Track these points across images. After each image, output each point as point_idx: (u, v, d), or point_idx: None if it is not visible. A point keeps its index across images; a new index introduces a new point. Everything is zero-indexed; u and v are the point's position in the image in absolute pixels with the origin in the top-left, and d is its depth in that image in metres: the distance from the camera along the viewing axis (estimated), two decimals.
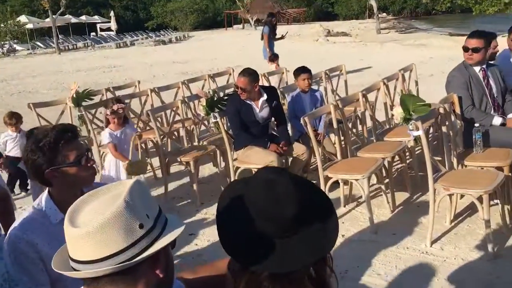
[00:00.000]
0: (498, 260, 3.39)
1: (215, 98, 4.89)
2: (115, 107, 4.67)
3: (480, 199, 3.47)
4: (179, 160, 5.01)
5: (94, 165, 2.02)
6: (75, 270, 1.10)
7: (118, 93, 6.60)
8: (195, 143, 5.90)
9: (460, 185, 3.57)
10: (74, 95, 5.68)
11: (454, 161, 4.04)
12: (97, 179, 3.53)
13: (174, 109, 5.83)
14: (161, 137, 5.32)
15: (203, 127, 6.44)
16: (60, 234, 1.17)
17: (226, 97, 4.96)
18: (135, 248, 1.02)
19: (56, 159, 1.88)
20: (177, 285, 1.40)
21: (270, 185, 1.22)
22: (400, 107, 3.62)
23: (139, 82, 7.28)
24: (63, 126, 2.00)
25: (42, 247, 1.87)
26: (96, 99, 6.35)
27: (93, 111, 5.85)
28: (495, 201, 3.92)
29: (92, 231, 1.05)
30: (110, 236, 1.04)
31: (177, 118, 5.91)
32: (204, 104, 4.81)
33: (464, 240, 3.73)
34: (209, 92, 5.55)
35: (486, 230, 3.48)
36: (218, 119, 4.88)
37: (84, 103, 5.71)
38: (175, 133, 6.23)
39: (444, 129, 4.07)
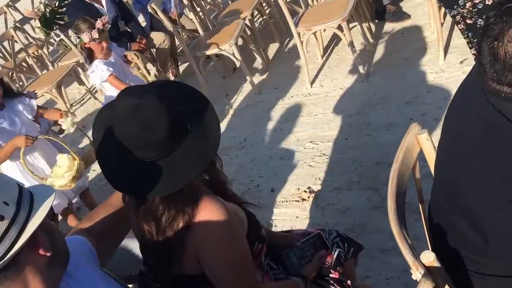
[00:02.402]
0: (370, 78, 3.64)
1: (48, 14, 4.34)
2: (98, 23, 3.11)
3: (340, 27, 3.59)
4: (38, 92, 4.57)
5: None
6: None
7: None
8: (50, 68, 5.38)
9: (319, 21, 3.65)
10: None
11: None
12: None
13: (10, 39, 5.15)
14: (10, 74, 4.76)
15: (51, 48, 5.84)
16: None
17: (62, 9, 4.42)
18: (2, 244, 0.92)
19: None
20: (80, 242, 1.34)
21: (134, 112, 1.13)
22: None
23: None
24: None
25: None
26: None
27: None
28: (354, 23, 4.10)
29: None
30: None
31: (18, 47, 5.27)
32: (39, 24, 4.27)
33: (338, 70, 3.93)
34: (38, 9, 4.90)
35: (353, 54, 3.68)
36: (62, 36, 4.41)
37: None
38: (24, 64, 5.60)
39: None
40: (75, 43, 4.40)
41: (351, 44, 3.64)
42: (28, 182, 2.67)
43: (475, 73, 1.15)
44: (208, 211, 1.22)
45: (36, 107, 2.82)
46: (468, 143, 1.10)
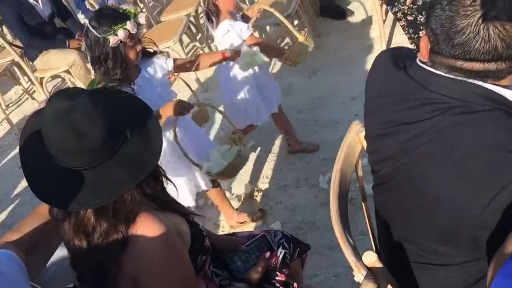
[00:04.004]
0: (317, 75, 3.64)
1: None
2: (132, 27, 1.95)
3: None
4: None
5: None
6: None
7: None
8: None
9: (267, 18, 3.62)
10: None
11: None
12: None
13: None
14: None
15: None
16: None
17: None
18: None
19: None
20: (6, 256, 1.23)
21: (64, 115, 1.04)
22: None
23: None
24: None
25: None
26: None
27: None
28: (299, 20, 4.09)
29: None
30: None
31: None
32: None
33: (283, 66, 3.90)
34: None
35: None
36: None
37: None
38: None
39: None
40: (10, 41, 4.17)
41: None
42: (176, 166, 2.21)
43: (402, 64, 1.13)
44: (145, 229, 1.13)
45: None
46: (420, 133, 1.05)
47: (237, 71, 2.57)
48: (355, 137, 1.43)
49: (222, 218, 2.75)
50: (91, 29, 1.92)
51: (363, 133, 1.41)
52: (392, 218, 1.21)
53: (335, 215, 1.22)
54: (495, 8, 0.92)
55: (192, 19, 4.29)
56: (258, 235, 1.67)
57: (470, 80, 1.00)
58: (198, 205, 2.90)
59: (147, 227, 1.14)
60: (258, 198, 2.80)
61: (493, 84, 1.00)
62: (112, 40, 1.90)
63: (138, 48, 2.01)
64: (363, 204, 1.45)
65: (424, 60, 1.09)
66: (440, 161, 1.00)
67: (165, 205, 1.27)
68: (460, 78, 1.01)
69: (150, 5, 4.97)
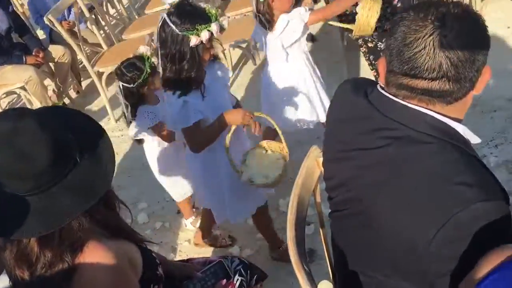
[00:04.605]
0: None
1: None
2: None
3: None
4: None
5: None
6: None
7: None
8: None
9: None
10: None
11: None
12: None
13: None
14: None
15: None
16: None
17: None
18: None
19: None
20: None
21: (8, 137, 0.97)
22: None
23: None
24: None
25: None
26: None
27: None
28: None
29: None
30: None
31: None
32: None
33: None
34: None
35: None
36: None
37: None
38: None
39: None
40: None
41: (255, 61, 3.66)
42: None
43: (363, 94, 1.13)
44: (93, 258, 1.07)
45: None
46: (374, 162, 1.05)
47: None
48: (313, 162, 1.42)
49: (180, 241, 2.67)
50: (171, 24, 1.76)
51: (322, 158, 1.40)
52: (346, 247, 1.19)
53: (291, 243, 1.19)
54: (444, 25, 0.92)
55: (154, 38, 4.23)
56: (214, 261, 1.62)
57: (421, 109, 0.99)
58: (155, 227, 2.82)
59: (94, 256, 1.07)
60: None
61: (442, 114, 1.00)
62: (194, 40, 1.75)
63: (212, 51, 1.88)
64: (321, 230, 1.43)
65: (383, 85, 1.09)
66: (388, 191, 0.99)
67: (118, 232, 1.20)
68: (411, 106, 1.00)
69: (112, 23, 4.90)
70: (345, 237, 1.18)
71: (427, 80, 0.95)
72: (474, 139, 1.04)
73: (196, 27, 1.73)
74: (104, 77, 3.92)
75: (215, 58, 2.01)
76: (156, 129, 2.36)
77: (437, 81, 0.95)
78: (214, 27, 1.76)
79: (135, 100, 2.33)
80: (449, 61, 0.93)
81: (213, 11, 1.81)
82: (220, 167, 2.01)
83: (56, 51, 4.15)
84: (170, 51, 1.78)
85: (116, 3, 5.07)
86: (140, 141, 2.48)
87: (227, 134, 1.89)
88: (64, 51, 4.14)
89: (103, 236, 1.14)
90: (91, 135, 1.14)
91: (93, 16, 4.44)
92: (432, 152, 0.96)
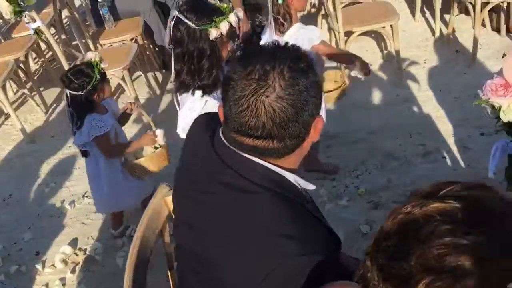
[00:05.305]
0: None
1: None
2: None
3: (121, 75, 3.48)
4: None
5: None
6: None
7: None
8: None
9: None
10: None
11: (90, 44, 3.88)
12: None
13: None
14: None
15: None
16: None
17: None
18: None
19: None
20: None
21: None
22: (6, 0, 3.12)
23: None
24: None
25: None
26: None
27: None
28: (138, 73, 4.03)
29: None
30: None
31: None
32: None
33: None
34: None
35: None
36: None
37: None
38: None
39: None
40: None
41: (134, 94, 3.56)
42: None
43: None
44: None
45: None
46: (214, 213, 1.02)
47: None
48: (161, 202, 1.36)
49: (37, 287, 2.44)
50: (186, 20, 1.64)
51: (171, 197, 1.35)
52: None
53: (127, 285, 1.11)
54: (266, 86, 0.90)
55: (21, 65, 3.95)
56: None
57: (254, 158, 0.97)
58: (10, 271, 2.56)
59: None
60: (81, 263, 2.55)
61: (275, 165, 0.98)
62: (214, 33, 1.64)
63: (229, 47, 1.75)
64: (168, 273, 1.37)
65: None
66: (218, 240, 0.97)
67: None
68: (244, 155, 0.98)
69: None
70: (184, 280, 1.14)
71: (252, 138, 0.94)
72: (309, 186, 1.04)
73: (214, 19, 1.65)
74: None
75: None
76: (101, 140, 2.25)
77: (261, 140, 0.93)
78: (232, 17, 1.69)
79: (83, 108, 2.21)
80: (271, 122, 0.91)
81: (226, 6, 1.75)
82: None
83: None
84: (188, 49, 1.69)
85: None
86: (85, 153, 2.34)
87: None
88: None
89: None
90: None
91: None
92: (261, 203, 0.95)
